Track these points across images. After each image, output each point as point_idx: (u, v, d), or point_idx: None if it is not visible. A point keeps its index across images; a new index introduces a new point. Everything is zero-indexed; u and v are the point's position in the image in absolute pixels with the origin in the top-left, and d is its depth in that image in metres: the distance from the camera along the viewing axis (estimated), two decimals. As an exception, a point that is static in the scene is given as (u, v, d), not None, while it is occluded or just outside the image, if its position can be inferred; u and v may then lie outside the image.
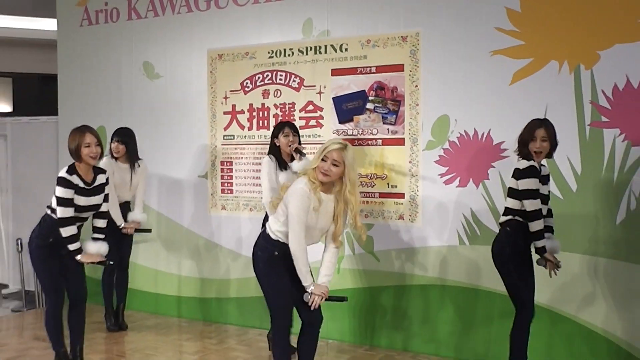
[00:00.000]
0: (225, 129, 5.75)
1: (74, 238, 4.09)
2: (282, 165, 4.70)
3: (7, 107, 11.40)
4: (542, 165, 4.07)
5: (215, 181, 5.83)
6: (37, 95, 11.08)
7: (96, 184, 4.17)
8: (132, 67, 6.27)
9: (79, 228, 4.20)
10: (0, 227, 7.44)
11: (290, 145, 4.64)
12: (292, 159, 4.67)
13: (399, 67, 4.93)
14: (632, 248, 4.23)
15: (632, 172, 4.22)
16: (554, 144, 3.99)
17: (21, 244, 6.87)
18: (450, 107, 4.77)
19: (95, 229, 4.33)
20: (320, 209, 3.58)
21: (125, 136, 5.50)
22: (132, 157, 5.49)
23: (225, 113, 5.74)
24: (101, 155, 4.17)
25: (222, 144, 5.77)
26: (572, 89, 4.37)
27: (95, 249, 4.22)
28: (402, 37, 4.92)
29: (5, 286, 7.39)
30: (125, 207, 5.55)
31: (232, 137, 5.72)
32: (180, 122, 6.00)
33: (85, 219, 4.26)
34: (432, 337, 4.90)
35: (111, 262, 4.46)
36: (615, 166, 4.26)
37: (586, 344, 4.37)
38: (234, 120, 5.70)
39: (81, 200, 4.08)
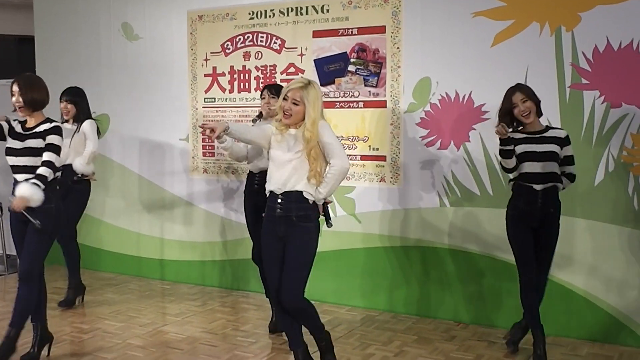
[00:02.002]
0: (206, 91, 5.70)
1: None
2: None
3: (-17, 70, 11.19)
4: (551, 127, 4.07)
5: (196, 144, 5.80)
6: (15, 57, 10.86)
7: (35, 130, 3.83)
8: (111, 29, 6.17)
9: (16, 179, 3.84)
10: (-20, 191, 7.36)
11: (270, 109, 4.41)
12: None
13: (381, 29, 4.90)
14: (609, 209, 4.30)
15: (611, 134, 4.26)
16: (536, 102, 4.00)
17: (1, 207, 6.81)
18: (432, 69, 4.76)
19: (35, 177, 3.75)
20: (281, 142, 3.50)
21: (74, 95, 5.18)
22: (82, 118, 5.13)
23: (205, 75, 5.69)
24: (29, 106, 3.81)
25: (203, 107, 5.73)
26: (553, 51, 4.37)
27: (21, 190, 3.71)
28: (384, -2, 4.88)
29: (-14, 251, 7.34)
30: (68, 174, 5.05)
31: (213, 100, 5.68)
32: (161, 85, 5.93)
33: (20, 167, 3.83)
34: (412, 297, 4.97)
35: (37, 222, 3.78)
36: (595, 128, 4.30)
37: (562, 303, 4.45)
38: (215, 83, 5.65)
39: (10, 143, 3.84)
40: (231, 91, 5.57)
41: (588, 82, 4.30)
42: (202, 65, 5.69)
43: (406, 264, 4.98)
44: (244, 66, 5.50)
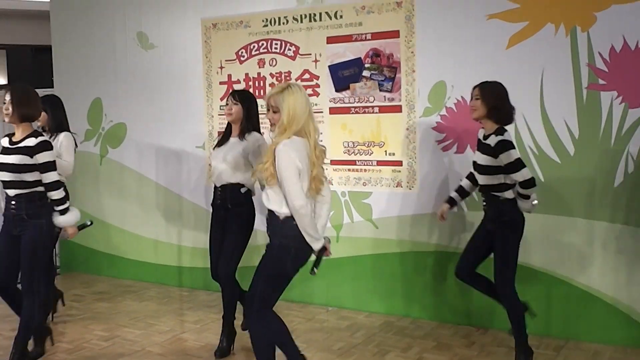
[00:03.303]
0: (221, 99, 5.72)
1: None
2: (221, 140, 4.38)
3: (1, 79, 11.35)
4: (489, 134, 3.88)
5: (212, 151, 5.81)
6: (31, 66, 11.01)
7: (21, 145, 3.79)
8: (126, 38, 6.22)
9: (7, 193, 3.88)
10: None
11: (230, 114, 4.25)
12: (242, 133, 4.23)
13: (395, 34, 4.89)
14: (631, 211, 4.25)
15: (630, 134, 4.21)
16: (491, 105, 3.84)
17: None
18: (447, 73, 4.74)
19: (52, 203, 3.88)
20: None
21: (45, 103, 4.57)
22: (56, 127, 4.79)
23: (221, 83, 5.71)
24: (17, 117, 3.78)
25: (219, 114, 5.75)
26: (569, 52, 4.33)
27: (65, 221, 3.91)
28: (397, 2, 4.86)
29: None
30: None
31: (228, 107, 5.69)
32: (176, 93, 5.97)
33: (6, 182, 3.83)
34: (431, 303, 4.94)
35: (89, 223, 4.25)
36: (613, 129, 4.25)
37: (583, 307, 4.41)
38: (230, 90, 5.66)
39: (2, 158, 3.83)
40: (246, 98, 5.58)
41: (605, 83, 4.26)
42: (217, 72, 5.71)
43: (424, 269, 4.95)
44: (258, 73, 5.51)
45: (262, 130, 4.35)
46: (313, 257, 3.38)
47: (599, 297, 4.37)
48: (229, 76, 5.65)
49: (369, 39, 5.00)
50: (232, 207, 4.21)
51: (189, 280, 6.07)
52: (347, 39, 5.08)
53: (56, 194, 3.85)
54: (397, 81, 4.90)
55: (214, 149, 4.42)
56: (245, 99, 4.27)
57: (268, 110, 3.29)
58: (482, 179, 3.96)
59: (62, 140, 4.73)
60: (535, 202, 3.92)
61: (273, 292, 3.40)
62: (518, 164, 3.78)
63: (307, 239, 3.26)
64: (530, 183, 3.79)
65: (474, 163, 4.01)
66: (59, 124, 4.82)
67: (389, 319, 4.99)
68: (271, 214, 3.31)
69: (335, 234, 5.23)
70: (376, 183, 5.07)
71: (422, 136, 4.86)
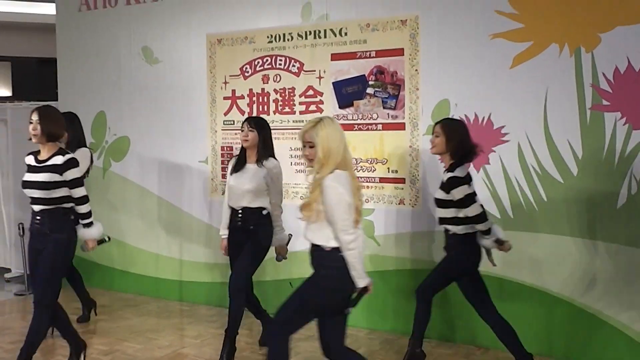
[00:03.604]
0: (225, 114, 5.74)
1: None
2: (238, 165, 4.54)
3: (6, 92, 11.39)
4: (445, 170, 4.10)
5: (215, 166, 5.83)
6: (35, 79, 11.05)
7: (47, 163, 3.96)
8: (131, 52, 6.25)
9: (33, 209, 4.04)
10: (2, 211, 7.44)
11: (246, 140, 4.44)
12: (260, 160, 4.44)
13: (399, 51, 4.91)
14: (633, 232, 4.24)
15: (633, 156, 4.21)
16: (450, 142, 4.03)
17: (23, 228, 6.87)
18: (450, 91, 4.75)
19: (79, 216, 4.08)
20: None
21: (65, 120, 4.49)
22: (76, 144, 5.05)
23: (225, 98, 5.73)
24: (44, 137, 3.94)
25: (222, 129, 5.76)
26: (573, 72, 4.35)
27: (89, 234, 4.14)
28: (401, 20, 4.89)
29: (8, 270, 7.41)
30: None
31: (232, 123, 5.71)
32: (180, 107, 5.98)
33: (35, 199, 3.99)
34: (432, 321, 4.89)
35: (107, 239, 4.40)
36: (617, 150, 4.25)
37: (585, 327, 4.39)
38: (234, 106, 5.69)
39: (26, 177, 4.02)
40: (250, 114, 5.59)
41: (609, 104, 4.26)
42: (221, 88, 5.73)
43: (426, 286, 4.93)
44: (262, 89, 5.53)
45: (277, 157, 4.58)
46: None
47: (601, 317, 4.34)
48: (233, 91, 5.67)
49: (373, 57, 5.02)
50: (254, 227, 4.46)
51: (189, 295, 6.05)
52: (351, 56, 5.10)
53: (84, 208, 4.04)
54: (401, 99, 4.92)
55: (231, 174, 4.57)
56: (260, 126, 4.46)
57: (304, 146, 3.24)
58: (438, 212, 4.16)
59: (77, 156, 4.69)
60: (498, 238, 4.04)
61: (300, 319, 3.32)
62: (466, 200, 3.96)
63: (353, 273, 3.19)
64: (480, 218, 3.95)
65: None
66: (78, 140, 5.09)
67: (390, 336, 4.96)
68: (316, 248, 3.24)
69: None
70: (378, 200, 5.07)
71: (425, 154, 4.86)
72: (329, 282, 3.22)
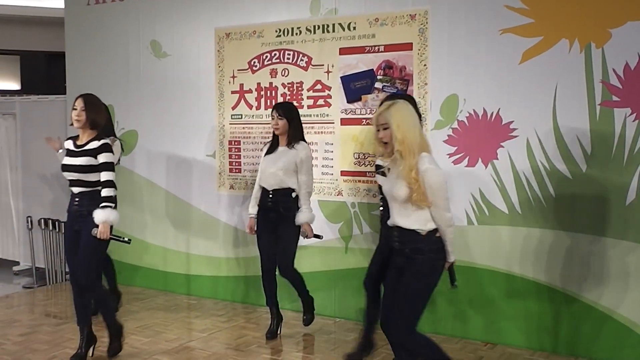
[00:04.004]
0: (233, 108, 5.74)
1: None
2: (270, 148, 4.78)
3: (14, 85, 11.41)
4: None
5: (223, 160, 5.83)
6: (44, 73, 11.08)
7: (85, 148, 4.19)
8: (140, 46, 6.25)
9: (72, 191, 4.26)
10: (10, 205, 7.48)
11: (277, 128, 4.69)
12: (290, 142, 4.67)
13: (408, 46, 4.90)
14: (641, 228, 4.22)
15: (643, 152, 4.19)
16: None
17: (31, 221, 6.92)
18: (459, 87, 4.74)
19: (101, 199, 4.16)
20: (389, 174, 3.31)
21: None
22: (106, 133, 5.01)
23: (233, 92, 5.73)
24: (89, 122, 4.18)
25: (230, 123, 5.76)
26: (583, 68, 4.32)
27: (99, 216, 4.10)
28: (410, 15, 4.87)
29: (16, 263, 7.46)
30: None
31: (240, 117, 5.71)
32: (188, 101, 5.99)
33: (73, 181, 4.22)
34: (439, 317, 4.92)
35: (127, 240, 4.36)
36: (626, 146, 4.23)
37: (593, 324, 4.37)
38: (242, 100, 5.69)
39: (65, 160, 4.26)
40: (258, 108, 5.60)
41: (619, 100, 4.24)
42: (229, 82, 5.73)
43: (433, 282, 4.92)
44: (270, 83, 5.53)
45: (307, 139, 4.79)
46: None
47: (608, 314, 4.33)
48: (241, 85, 5.67)
49: (381, 51, 5.01)
50: (284, 211, 4.66)
51: (197, 289, 6.07)
52: (359, 50, 5.09)
53: (107, 192, 4.16)
54: (409, 93, 4.90)
55: (264, 156, 4.78)
56: (288, 112, 4.66)
57: (377, 130, 3.25)
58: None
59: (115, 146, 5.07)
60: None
61: (422, 309, 3.35)
62: None
63: (450, 249, 3.30)
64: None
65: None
66: (109, 129, 5.20)
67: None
68: (407, 232, 3.25)
69: (344, 245, 5.22)
70: (386, 195, 5.06)
71: (433, 149, 4.80)
72: (431, 264, 3.28)
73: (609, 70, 4.25)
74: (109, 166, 4.18)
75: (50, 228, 6.95)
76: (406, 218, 3.25)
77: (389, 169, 3.32)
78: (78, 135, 4.29)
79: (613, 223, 4.29)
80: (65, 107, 6.80)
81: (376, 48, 5.03)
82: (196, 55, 5.92)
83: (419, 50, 4.86)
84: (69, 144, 4.31)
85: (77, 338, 4.35)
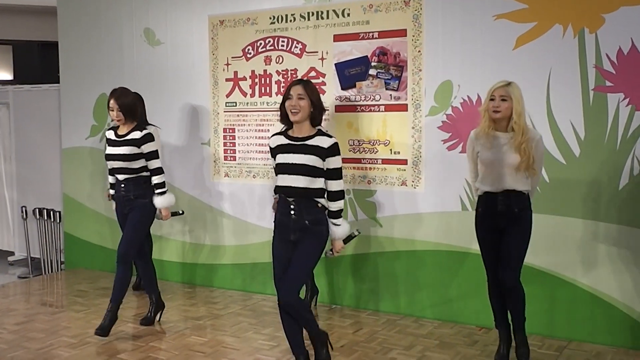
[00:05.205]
0: (227, 95, 5.73)
1: (112, 186, 4.75)
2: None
3: (7, 75, 11.35)
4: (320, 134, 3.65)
5: (218, 148, 5.83)
6: (37, 62, 11.00)
7: (127, 137, 4.53)
8: (133, 34, 6.23)
9: (116, 179, 4.65)
10: (5, 195, 7.47)
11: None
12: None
13: (402, 32, 4.90)
14: (635, 213, 4.24)
15: (636, 137, 4.21)
16: (314, 106, 3.59)
17: (26, 211, 6.92)
18: (453, 73, 4.74)
19: (154, 186, 4.60)
20: (495, 145, 3.81)
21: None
22: (143, 122, 5.27)
23: (227, 80, 5.72)
24: (128, 119, 4.54)
25: (225, 111, 5.76)
26: (576, 53, 4.33)
27: (160, 202, 4.60)
28: (404, 1, 4.87)
29: (11, 253, 7.46)
30: None
31: (234, 104, 5.71)
32: (182, 89, 5.98)
33: (119, 169, 4.56)
34: (434, 301, 4.95)
35: (181, 212, 5.10)
36: (619, 131, 4.25)
37: (587, 308, 4.41)
38: (236, 87, 5.68)
39: (108, 150, 4.61)
40: (252, 95, 5.59)
41: (612, 85, 4.26)
42: (224, 69, 5.72)
43: (428, 268, 4.95)
44: (265, 70, 5.52)
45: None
46: None
47: (602, 298, 4.37)
48: (235, 73, 5.66)
49: (376, 38, 5.00)
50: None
51: (192, 277, 6.08)
52: (354, 37, 5.09)
53: (158, 179, 4.59)
54: (404, 80, 4.91)
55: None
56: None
57: (492, 99, 3.75)
58: (299, 180, 3.64)
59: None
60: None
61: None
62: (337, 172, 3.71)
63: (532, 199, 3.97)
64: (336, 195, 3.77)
65: (286, 164, 3.69)
66: (145, 119, 5.30)
67: (392, 317, 4.99)
68: (515, 194, 3.82)
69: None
70: (381, 181, 5.07)
71: (427, 135, 4.86)
72: (531, 218, 3.89)
73: (602, 55, 4.26)
74: (154, 154, 4.57)
75: (45, 218, 6.95)
76: (515, 182, 3.80)
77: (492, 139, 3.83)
78: (119, 126, 4.62)
79: (607, 207, 4.31)
80: (58, 96, 6.78)
81: (370, 34, 5.03)
82: (190, 43, 5.91)
83: (413, 36, 4.86)
84: (111, 134, 4.64)
85: (71, 327, 4.47)
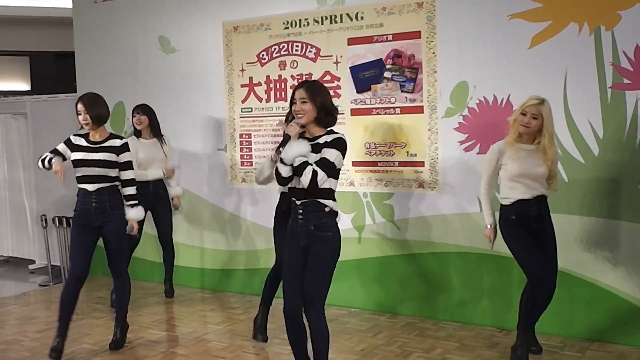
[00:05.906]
0: (242, 101, 5.75)
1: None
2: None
3: (24, 86, 11.48)
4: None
5: (234, 154, 5.85)
6: (54, 73, 11.13)
7: (106, 144, 4.34)
8: (148, 42, 6.28)
9: (84, 190, 4.36)
10: (24, 204, 7.54)
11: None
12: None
13: (416, 34, 4.89)
14: (655, 211, 4.20)
15: (655, 134, 4.17)
16: (319, 108, 3.44)
17: (45, 220, 6.96)
18: (469, 73, 4.72)
19: (125, 197, 4.44)
20: (523, 157, 3.95)
21: (146, 109, 5.63)
22: (155, 130, 5.64)
23: (242, 86, 5.74)
24: (95, 122, 4.30)
25: (240, 117, 5.78)
26: (593, 51, 4.30)
27: (132, 214, 4.44)
28: (417, 3, 4.86)
29: (32, 262, 7.51)
30: (159, 185, 5.65)
31: (250, 110, 5.73)
32: (198, 96, 6.01)
33: (92, 177, 4.31)
34: (453, 304, 4.92)
35: (138, 235, 4.80)
36: (638, 129, 4.21)
37: (608, 308, 4.37)
38: (252, 93, 5.70)
39: (78, 155, 4.33)
40: (268, 100, 5.61)
41: (630, 82, 4.22)
42: (239, 75, 5.74)
43: (446, 270, 4.93)
44: (279, 75, 5.53)
45: None
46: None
47: (624, 298, 4.32)
48: (250, 79, 5.68)
49: (390, 40, 5.00)
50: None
51: (211, 282, 6.10)
52: (368, 40, 5.09)
53: (132, 190, 4.44)
54: (419, 82, 4.90)
55: None
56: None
57: (523, 114, 3.91)
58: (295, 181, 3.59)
59: (169, 144, 5.73)
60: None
61: None
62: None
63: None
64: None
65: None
66: (158, 128, 5.65)
67: (412, 320, 4.97)
68: (543, 199, 4.03)
69: (357, 235, 5.23)
70: (398, 184, 5.06)
71: (444, 137, 4.85)
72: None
73: (619, 52, 4.23)
74: (130, 164, 4.43)
75: (65, 226, 6.99)
76: (543, 188, 4.02)
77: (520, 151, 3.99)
78: (88, 133, 4.39)
79: (627, 206, 4.27)
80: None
81: (384, 37, 5.02)
82: (204, 49, 5.94)
83: (427, 38, 4.85)
84: (80, 140, 4.38)
85: (91, 334, 4.50)
